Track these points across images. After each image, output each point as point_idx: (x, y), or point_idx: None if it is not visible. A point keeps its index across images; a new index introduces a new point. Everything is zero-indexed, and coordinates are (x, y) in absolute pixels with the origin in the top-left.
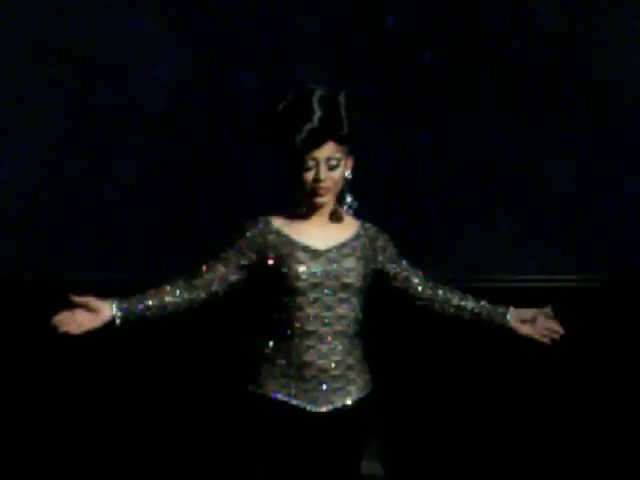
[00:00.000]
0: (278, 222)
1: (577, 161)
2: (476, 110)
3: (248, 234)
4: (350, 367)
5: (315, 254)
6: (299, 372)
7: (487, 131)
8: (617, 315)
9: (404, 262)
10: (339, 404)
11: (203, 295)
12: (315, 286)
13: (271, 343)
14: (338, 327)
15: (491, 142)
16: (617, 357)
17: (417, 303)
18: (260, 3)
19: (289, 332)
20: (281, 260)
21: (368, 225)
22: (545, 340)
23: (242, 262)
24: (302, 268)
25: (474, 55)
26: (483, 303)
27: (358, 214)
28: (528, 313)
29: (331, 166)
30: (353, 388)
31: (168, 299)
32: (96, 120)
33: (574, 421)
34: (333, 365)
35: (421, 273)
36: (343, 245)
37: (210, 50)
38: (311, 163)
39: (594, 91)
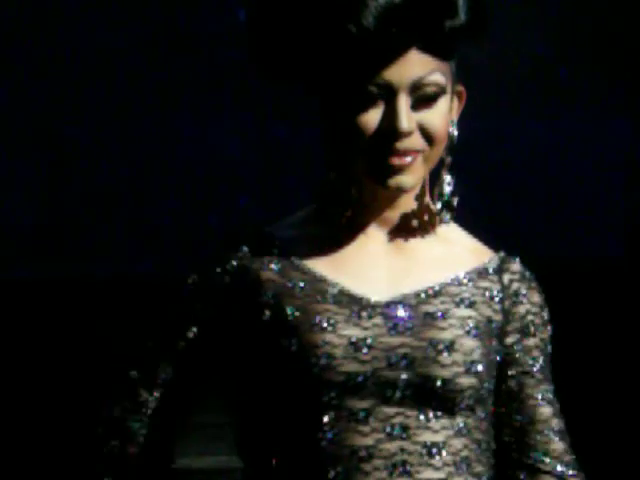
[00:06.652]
0: (289, 239)
1: None
2: None
3: (218, 268)
4: None
5: (362, 308)
6: None
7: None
8: None
9: (544, 383)
10: None
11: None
12: (365, 384)
13: None
14: (429, 474)
15: None
16: None
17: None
18: None
19: None
20: (283, 323)
21: (517, 265)
22: None
23: (216, 334)
24: (337, 340)
25: None
26: None
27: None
28: None
29: (424, 100)
30: None
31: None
32: None
33: None
34: None
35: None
36: (438, 292)
37: None
38: (377, 94)
39: None
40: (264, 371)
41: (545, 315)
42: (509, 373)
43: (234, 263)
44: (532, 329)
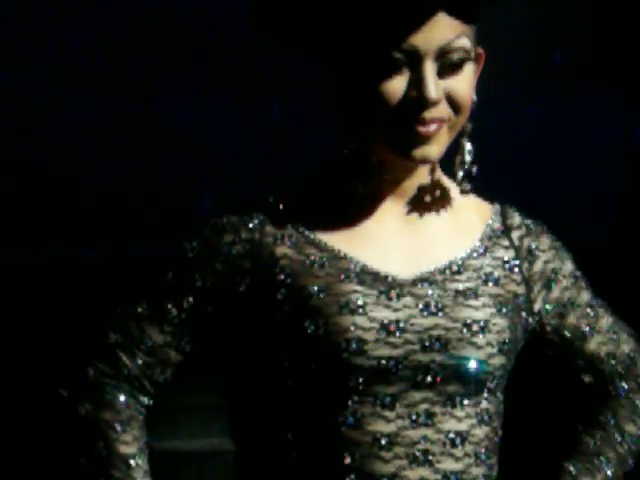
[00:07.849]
0: (300, 212)
1: None
2: None
3: (226, 238)
4: None
5: (390, 288)
6: None
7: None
8: None
9: (604, 320)
10: None
11: (146, 400)
12: (396, 368)
13: None
14: (449, 465)
15: None
16: None
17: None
18: None
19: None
20: (304, 304)
21: (517, 218)
22: None
23: (214, 308)
24: (368, 323)
25: None
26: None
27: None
28: None
29: (451, 66)
30: None
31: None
32: None
33: None
34: None
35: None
36: (461, 266)
37: None
38: (402, 60)
39: None
40: (276, 352)
41: (561, 252)
42: (549, 337)
43: (243, 236)
44: (554, 277)
